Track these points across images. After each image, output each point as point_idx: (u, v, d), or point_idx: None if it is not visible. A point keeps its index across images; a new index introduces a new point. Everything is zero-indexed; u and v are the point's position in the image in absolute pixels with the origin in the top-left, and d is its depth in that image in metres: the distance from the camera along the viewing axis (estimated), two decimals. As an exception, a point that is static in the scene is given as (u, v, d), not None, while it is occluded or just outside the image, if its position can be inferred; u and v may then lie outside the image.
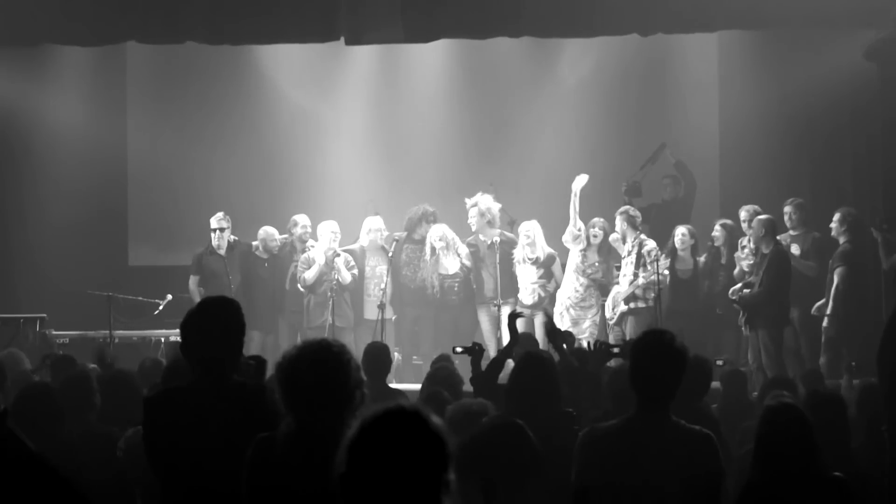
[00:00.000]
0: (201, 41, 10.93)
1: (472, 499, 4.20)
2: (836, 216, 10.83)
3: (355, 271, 11.52)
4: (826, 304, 10.67)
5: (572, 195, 11.08)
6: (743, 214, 11.17)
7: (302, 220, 11.89)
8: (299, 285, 11.50)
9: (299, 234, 11.82)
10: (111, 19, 10.66)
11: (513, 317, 7.36)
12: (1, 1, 10.51)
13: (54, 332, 11.27)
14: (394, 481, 2.29)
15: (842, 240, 10.77)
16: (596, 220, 11.34)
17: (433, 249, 11.44)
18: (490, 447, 4.38)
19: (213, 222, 11.67)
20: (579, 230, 11.17)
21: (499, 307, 11.23)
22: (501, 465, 4.34)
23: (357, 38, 10.79)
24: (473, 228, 11.57)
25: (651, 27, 10.89)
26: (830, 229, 10.86)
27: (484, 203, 11.45)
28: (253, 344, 10.25)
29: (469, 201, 11.53)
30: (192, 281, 11.65)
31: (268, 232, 11.86)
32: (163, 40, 11.10)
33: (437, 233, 11.46)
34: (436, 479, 2.31)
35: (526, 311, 10.56)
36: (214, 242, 11.63)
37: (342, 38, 10.83)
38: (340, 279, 11.28)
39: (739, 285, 10.57)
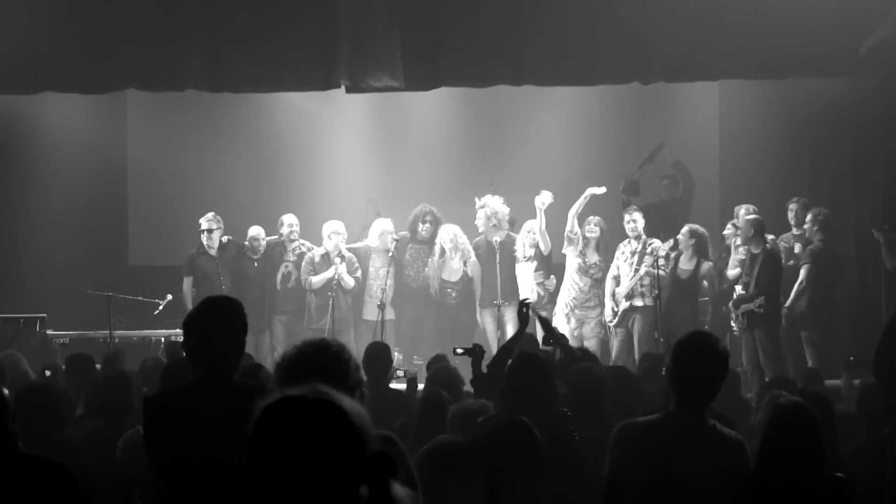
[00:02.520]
0: (201, 89, 11.00)
1: (476, 498, 4.20)
2: (808, 216, 10.87)
3: (358, 274, 11.57)
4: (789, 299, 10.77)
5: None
6: (742, 212, 11.18)
7: (288, 219, 11.94)
8: (305, 286, 11.55)
9: (286, 233, 11.87)
10: (112, 68, 10.78)
11: (522, 305, 7.32)
12: (2, 51, 10.64)
13: (54, 332, 11.28)
14: (294, 474, 2.08)
15: (815, 239, 10.81)
16: (591, 217, 11.37)
17: (442, 250, 11.49)
18: (495, 445, 4.38)
19: (203, 223, 11.70)
20: (575, 233, 11.20)
21: (499, 307, 11.25)
22: (507, 464, 4.34)
23: (357, 87, 10.83)
24: (480, 230, 11.61)
25: (652, 76, 11.01)
26: (804, 230, 10.92)
27: (492, 205, 11.48)
28: (246, 346, 10.22)
29: (478, 202, 11.57)
30: (186, 283, 11.65)
31: (254, 232, 11.91)
32: (163, 88, 11.18)
33: (448, 234, 11.52)
34: (345, 468, 2.10)
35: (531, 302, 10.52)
36: (204, 243, 11.65)
37: (343, 87, 10.88)
38: (344, 285, 11.35)
39: (739, 295, 10.52)
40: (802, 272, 10.70)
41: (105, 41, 10.67)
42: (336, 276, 11.34)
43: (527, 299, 7.63)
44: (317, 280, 11.48)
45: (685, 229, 11.17)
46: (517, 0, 10.72)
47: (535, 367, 5.31)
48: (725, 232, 11.39)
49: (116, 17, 10.66)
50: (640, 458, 4.09)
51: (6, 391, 3.66)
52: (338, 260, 11.40)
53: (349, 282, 11.43)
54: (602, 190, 11.20)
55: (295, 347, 3.56)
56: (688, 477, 4.00)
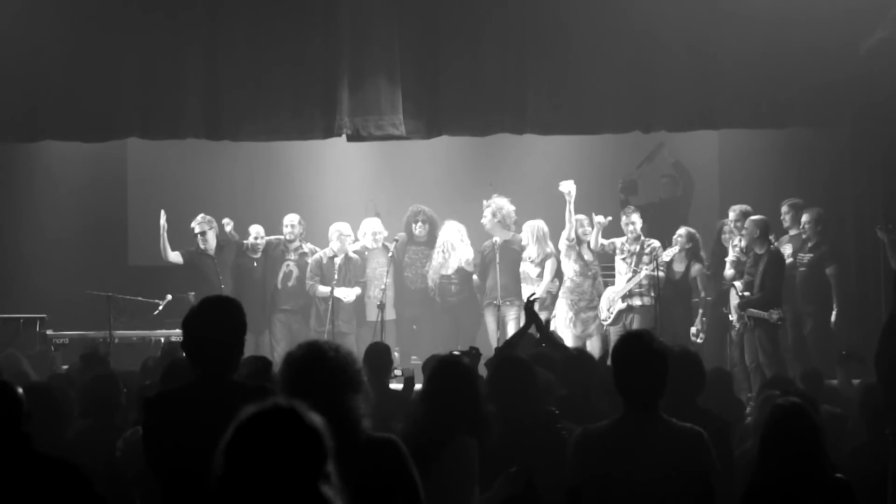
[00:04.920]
0: (201, 137, 11.06)
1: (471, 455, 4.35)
2: (808, 216, 10.88)
3: (364, 279, 11.62)
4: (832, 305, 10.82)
5: (568, 200, 11.09)
6: (732, 215, 11.17)
7: (288, 219, 11.96)
8: (308, 291, 11.58)
9: (286, 233, 11.89)
10: (112, 118, 10.84)
11: (529, 302, 7.33)
12: (3, 99, 10.70)
13: (54, 332, 11.27)
14: (269, 481, 2.21)
15: (816, 240, 10.84)
16: (585, 217, 11.38)
17: (444, 246, 11.51)
18: (441, 397, 4.57)
19: (195, 226, 11.73)
20: (572, 239, 11.22)
21: (498, 307, 11.25)
22: (459, 406, 4.50)
23: (358, 136, 10.86)
24: (486, 227, 11.64)
25: (653, 125, 11.11)
26: (803, 230, 10.93)
27: (497, 204, 11.51)
28: (246, 345, 10.23)
29: (485, 202, 11.61)
30: (174, 254, 11.69)
31: (253, 231, 11.94)
32: (164, 137, 11.23)
33: (456, 231, 11.55)
34: (311, 475, 2.24)
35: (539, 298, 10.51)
36: (201, 246, 11.68)
37: (344, 136, 10.91)
38: (346, 301, 11.38)
39: (745, 297, 10.47)
40: (833, 277, 10.78)
41: (106, 91, 10.74)
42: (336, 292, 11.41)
43: (533, 295, 7.66)
44: (321, 290, 11.51)
45: (684, 232, 11.16)
46: (518, 50, 10.80)
47: (513, 369, 5.35)
48: (724, 236, 11.39)
49: (117, 68, 10.73)
50: (598, 464, 4.11)
51: (21, 390, 3.68)
52: (342, 255, 11.43)
53: (350, 296, 11.47)
54: (569, 185, 11.20)
55: (297, 349, 3.58)
56: (647, 476, 4.01)
